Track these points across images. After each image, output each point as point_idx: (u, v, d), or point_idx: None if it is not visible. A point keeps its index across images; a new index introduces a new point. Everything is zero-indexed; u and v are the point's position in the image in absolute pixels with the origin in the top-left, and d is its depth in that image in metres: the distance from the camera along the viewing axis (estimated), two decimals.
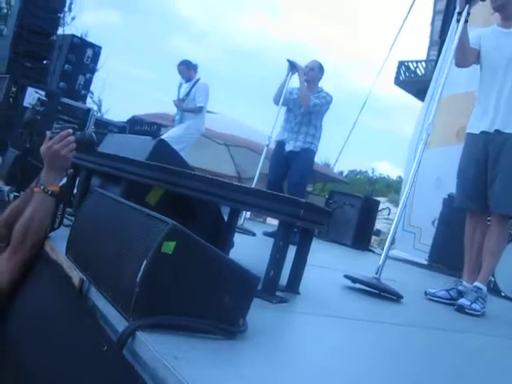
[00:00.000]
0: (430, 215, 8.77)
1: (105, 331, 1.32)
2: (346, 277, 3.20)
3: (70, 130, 2.11)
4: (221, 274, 1.31)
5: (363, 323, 2.31)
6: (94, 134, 2.18)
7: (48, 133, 2.12)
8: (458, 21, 3.50)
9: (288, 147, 6.08)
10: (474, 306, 3.32)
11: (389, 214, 12.12)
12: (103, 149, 3.31)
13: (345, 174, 31.23)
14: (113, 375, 1.19)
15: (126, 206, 1.52)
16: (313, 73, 6.17)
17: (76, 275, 1.60)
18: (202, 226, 2.70)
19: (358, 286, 3.15)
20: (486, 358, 2.28)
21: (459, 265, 3.83)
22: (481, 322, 3.24)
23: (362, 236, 8.38)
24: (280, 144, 6.19)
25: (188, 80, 7.72)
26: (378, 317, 2.68)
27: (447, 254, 6.81)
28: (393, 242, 11.39)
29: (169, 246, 1.21)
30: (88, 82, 9.37)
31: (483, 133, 3.56)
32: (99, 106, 24.06)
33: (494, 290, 5.90)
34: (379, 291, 3.12)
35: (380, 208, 9.90)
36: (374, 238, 12.61)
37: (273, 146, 6.40)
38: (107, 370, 1.22)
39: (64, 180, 2.24)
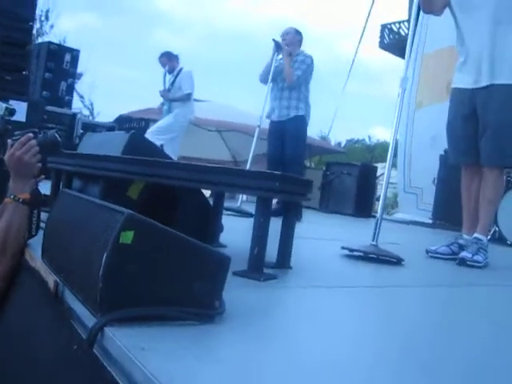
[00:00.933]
0: (429, 174, 8.73)
1: (79, 332, 1.28)
2: (344, 248, 3.15)
3: (31, 135, 2.06)
4: (187, 257, 1.27)
5: (363, 290, 2.27)
6: (56, 135, 2.12)
7: (9, 141, 2.08)
8: None
9: (274, 117, 6.06)
10: (475, 257, 3.29)
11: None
12: (82, 150, 3.28)
13: (343, 144, 31.14)
14: (86, 374, 1.16)
15: (90, 203, 1.48)
16: (289, 36, 6.12)
17: (51, 279, 1.56)
18: (189, 213, 2.68)
19: (357, 254, 3.10)
20: (494, 309, 2.24)
21: (462, 219, 3.79)
22: (484, 273, 3.21)
23: (363, 203, 8.36)
24: (272, 120, 6.14)
25: (171, 71, 7.68)
26: (379, 281, 2.65)
27: (449, 210, 6.76)
28: (396, 205, 11.36)
29: (127, 236, 1.17)
30: (71, 87, 9.34)
31: (469, 89, 3.50)
32: (91, 110, 24.04)
33: (500, 239, 5.88)
34: (378, 257, 3.08)
35: (379, 173, 9.86)
36: (377, 203, 12.57)
37: (264, 125, 6.36)
38: (81, 370, 1.19)
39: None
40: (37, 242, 2.03)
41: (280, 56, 6.10)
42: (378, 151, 28.82)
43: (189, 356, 1.07)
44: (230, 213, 5.16)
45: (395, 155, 10.39)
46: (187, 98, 7.50)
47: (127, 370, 1.00)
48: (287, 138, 5.90)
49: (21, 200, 2.04)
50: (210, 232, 2.68)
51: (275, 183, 1.88)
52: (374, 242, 3.10)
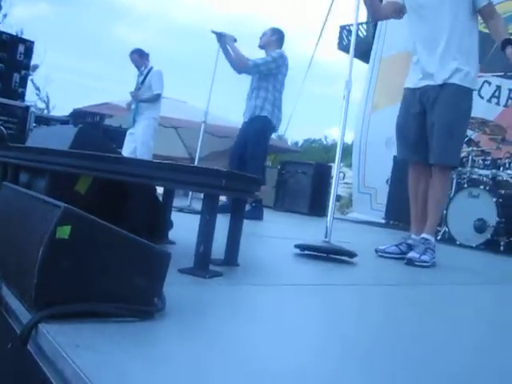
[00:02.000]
0: (383, 175, 8.87)
1: (15, 329, 1.25)
2: (297, 246, 3.16)
3: None
4: (126, 253, 1.25)
5: (309, 288, 2.28)
6: (2, 128, 2.08)
7: None
8: None
9: (245, 118, 6.03)
10: (423, 257, 3.35)
11: (343, 178, 12.20)
12: (31, 143, 3.21)
13: (300, 143, 31.34)
14: (20, 372, 1.13)
15: (29, 197, 1.44)
16: (265, 37, 6.07)
17: None
18: (138, 209, 2.65)
19: (307, 252, 3.12)
20: (435, 307, 2.27)
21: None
22: (431, 272, 3.27)
23: (317, 202, 8.42)
24: (243, 121, 6.13)
25: (142, 69, 7.63)
26: (325, 280, 2.66)
27: (401, 210, 6.84)
28: (351, 204, 11.48)
29: (64, 231, 1.15)
30: (24, 79, 9.09)
31: (419, 88, 3.58)
32: (47, 103, 23.62)
33: (449, 239, 6.00)
34: (330, 253, 3.10)
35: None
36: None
37: (209, 120, 6.38)
38: (16, 367, 1.17)
39: None
40: None
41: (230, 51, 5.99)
42: (334, 151, 28.98)
43: (123, 353, 1.06)
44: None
45: (350, 155, 10.51)
46: (157, 98, 7.49)
47: (59, 367, 0.99)
48: (248, 136, 5.87)
49: None
50: (158, 228, 2.66)
51: (221, 180, 1.87)
52: (326, 239, 3.14)
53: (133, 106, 7.55)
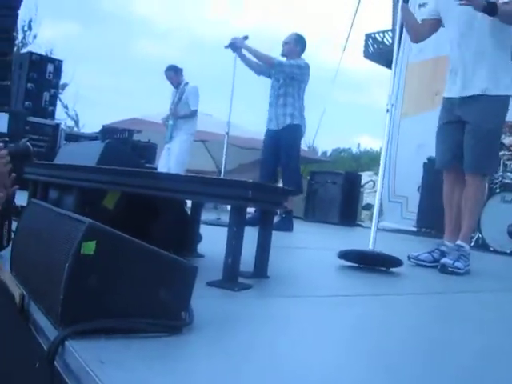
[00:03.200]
0: (414, 183, 8.74)
1: (43, 346, 1.25)
2: (340, 254, 3.10)
3: (0, 144, 2.03)
4: (152, 268, 1.24)
5: (340, 299, 2.24)
6: (29, 144, 2.10)
7: None
8: None
9: (272, 125, 5.94)
10: (456, 264, 3.29)
11: (373, 187, 12.09)
12: (59, 160, 3.24)
13: (329, 153, 31.27)
14: None
15: (54, 213, 1.44)
16: (287, 46, 5.98)
17: (17, 292, 1.53)
18: (167, 223, 2.65)
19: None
20: (469, 316, 2.22)
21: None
22: (465, 279, 3.20)
23: (348, 212, 8.36)
24: (268, 128, 6.06)
25: (177, 85, 7.69)
26: (357, 290, 2.61)
27: (434, 217, 6.75)
28: (381, 214, 11.37)
29: (89, 247, 1.14)
30: (54, 98, 9.27)
31: (456, 97, 3.56)
32: (76, 121, 23.89)
33: (483, 245, 5.89)
34: (378, 261, 3.09)
35: (364, 182, 9.86)
36: (364, 212, 12.61)
37: (232, 132, 6.35)
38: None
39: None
40: (8, 254, 1.99)
41: (247, 53, 5.92)
42: (363, 160, 28.86)
43: (148, 369, 1.05)
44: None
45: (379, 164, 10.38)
46: (194, 114, 7.62)
47: (84, 383, 0.98)
48: (282, 146, 5.82)
49: None
50: (187, 242, 2.65)
51: (248, 192, 1.86)
52: (371, 248, 3.12)
53: (170, 122, 7.62)
